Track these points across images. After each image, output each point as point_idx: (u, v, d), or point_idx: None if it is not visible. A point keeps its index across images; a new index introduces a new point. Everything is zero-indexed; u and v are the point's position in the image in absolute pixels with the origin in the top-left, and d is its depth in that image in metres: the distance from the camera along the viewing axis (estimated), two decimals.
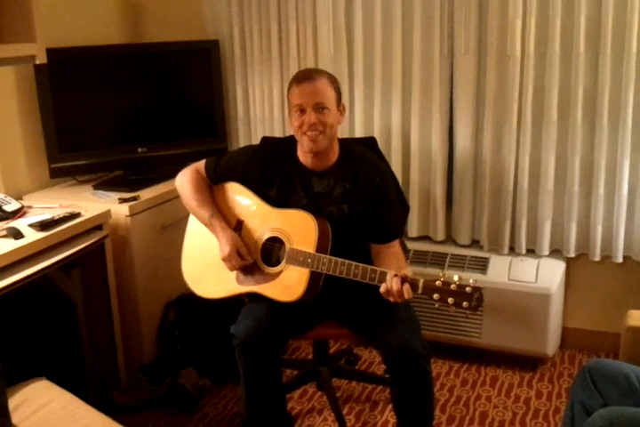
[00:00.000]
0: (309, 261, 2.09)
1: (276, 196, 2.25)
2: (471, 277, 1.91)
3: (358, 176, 2.23)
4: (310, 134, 2.14)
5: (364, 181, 2.22)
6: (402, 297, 1.92)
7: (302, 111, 2.15)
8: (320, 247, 2.11)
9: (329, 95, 2.17)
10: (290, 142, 2.29)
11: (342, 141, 2.30)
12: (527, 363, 2.91)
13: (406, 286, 1.91)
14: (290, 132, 3.10)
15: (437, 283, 1.87)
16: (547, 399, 2.67)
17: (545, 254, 2.89)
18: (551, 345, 2.85)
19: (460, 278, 1.87)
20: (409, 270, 1.97)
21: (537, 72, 2.72)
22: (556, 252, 2.91)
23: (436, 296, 1.87)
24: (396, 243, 2.28)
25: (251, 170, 2.29)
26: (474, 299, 1.84)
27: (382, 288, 1.95)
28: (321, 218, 2.16)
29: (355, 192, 2.22)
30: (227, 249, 2.19)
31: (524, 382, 2.81)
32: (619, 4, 2.55)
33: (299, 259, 2.11)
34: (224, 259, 2.20)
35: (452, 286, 1.86)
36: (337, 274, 2.04)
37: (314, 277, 2.11)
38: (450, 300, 1.86)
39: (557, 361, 2.95)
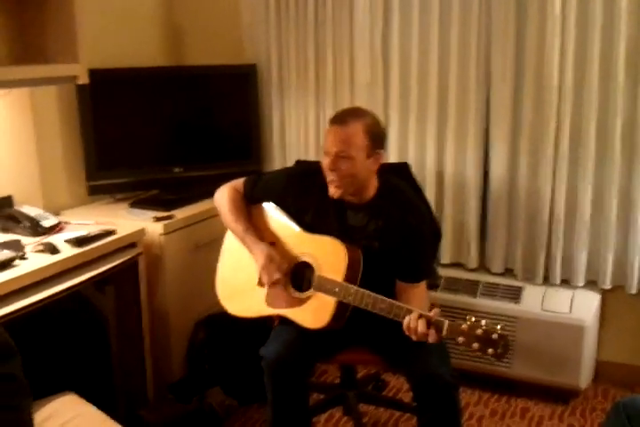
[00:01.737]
0: (337, 290, 2.07)
1: (310, 221, 2.25)
2: (502, 316, 1.85)
3: (393, 214, 2.18)
4: (329, 179, 2.13)
5: (398, 220, 2.18)
6: (424, 339, 1.89)
7: (327, 154, 2.12)
8: (349, 277, 2.09)
9: (357, 144, 2.08)
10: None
11: (384, 178, 2.24)
12: (559, 396, 2.84)
13: (432, 331, 1.87)
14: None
15: (463, 327, 1.83)
16: None
17: (580, 285, 2.84)
18: (584, 378, 2.79)
19: (487, 324, 1.82)
20: (436, 311, 1.92)
21: (575, 101, 2.71)
22: (591, 283, 2.86)
23: (460, 340, 1.83)
24: (422, 284, 2.24)
25: (288, 193, 2.29)
26: (500, 346, 1.79)
27: (405, 325, 1.92)
28: (353, 247, 2.14)
29: (387, 230, 2.19)
30: (262, 258, 2.19)
31: (556, 415, 2.74)
32: None
33: (326, 287, 2.10)
34: (261, 269, 2.19)
35: (479, 331, 1.81)
36: (362, 306, 2.02)
37: (341, 307, 2.09)
38: (475, 345, 1.81)
39: (590, 395, 2.88)
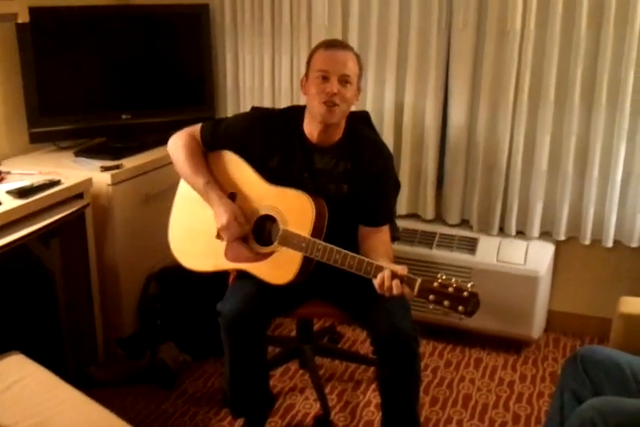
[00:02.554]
0: (304, 245, 2.02)
1: (275, 167, 2.17)
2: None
3: (362, 157, 2.16)
4: (329, 105, 2.05)
5: (366, 162, 2.16)
6: (390, 292, 1.87)
7: (325, 78, 2.05)
8: (315, 231, 2.04)
9: (355, 70, 2.09)
10: (293, 112, 2.20)
11: (349, 120, 2.20)
12: (512, 345, 2.89)
13: (396, 282, 1.85)
14: (280, 102, 3.04)
15: (435, 285, 1.82)
16: (531, 383, 2.66)
17: (535, 236, 2.86)
18: (537, 328, 2.84)
19: (457, 282, 1.81)
20: (404, 268, 1.90)
21: (536, 50, 2.66)
22: (546, 234, 2.88)
23: (432, 298, 1.82)
24: (386, 228, 2.22)
25: (252, 138, 2.19)
26: (470, 304, 1.79)
27: (377, 283, 1.88)
28: (318, 200, 2.08)
29: (356, 172, 2.15)
30: (224, 217, 2.11)
31: (509, 364, 2.79)
32: None
33: (292, 242, 2.04)
34: (222, 228, 2.12)
35: (450, 289, 1.80)
36: (331, 262, 1.97)
37: (306, 262, 2.04)
38: (446, 302, 1.80)
39: (542, 344, 2.93)
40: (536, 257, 2.80)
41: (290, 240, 2.05)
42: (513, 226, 2.87)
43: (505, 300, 2.79)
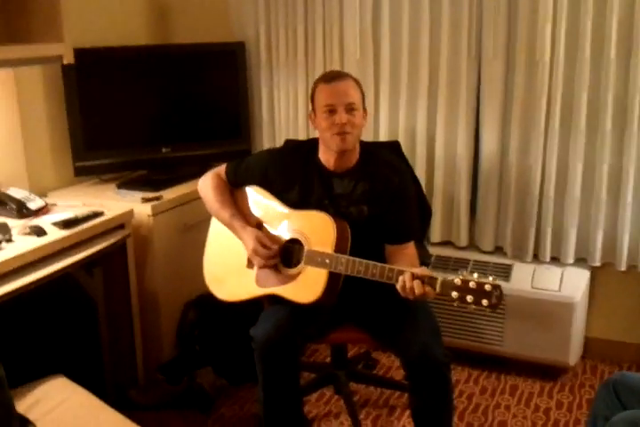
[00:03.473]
0: (327, 261, 2.08)
1: (296, 197, 2.25)
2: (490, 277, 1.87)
3: (378, 177, 2.22)
4: (341, 136, 2.13)
5: (383, 181, 2.22)
6: (421, 298, 1.92)
7: (332, 112, 2.14)
8: (338, 248, 2.10)
9: (357, 96, 2.18)
10: (310, 144, 2.29)
11: (363, 144, 2.29)
12: (548, 372, 2.86)
13: (428, 289, 1.89)
14: (314, 134, 3.12)
15: (456, 281, 1.85)
16: (567, 410, 2.63)
17: (570, 263, 2.85)
18: (573, 355, 2.81)
19: (478, 276, 1.85)
20: (424, 269, 1.95)
21: (566, 78, 2.69)
22: (581, 260, 2.87)
23: (454, 295, 1.85)
24: (411, 245, 2.26)
25: (271, 172, 2.29)
26: (493, 296, 1.81)
27: (399, 286, 1.93)
28: (340, 219, 2.15)
29: (374, 193, 2.21)
30: (251, 243, 2.19)
31: (545, 391, 2.77)
32: None
33: (317, 260, 2.10)
34: (251, 254, 2.20)
35: (471, 284, 1.83)
36: (355, 274, 2.03)
37: (332, 278, 2.09)
38: (469, 298, 1.83)
39: (579, 371, 2.90)
40: (571, 283, 2.78)
41: (314, 258, 2.11)
42: (547, 252, 2.86)
43: (540, 326, 2.78)
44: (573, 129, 2.71)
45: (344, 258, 2.05)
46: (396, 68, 2.95)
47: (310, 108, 2.26)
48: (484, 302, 1.82)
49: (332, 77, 2.20)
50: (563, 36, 2.64)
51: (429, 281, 1.90)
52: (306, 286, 2.13)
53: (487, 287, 1.82)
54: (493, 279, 1.84)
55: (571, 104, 2.70)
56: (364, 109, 2.22)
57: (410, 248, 2.26)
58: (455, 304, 1.87)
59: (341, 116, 2.12)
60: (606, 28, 2.57)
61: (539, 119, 2.74)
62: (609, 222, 2.77)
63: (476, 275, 1.86)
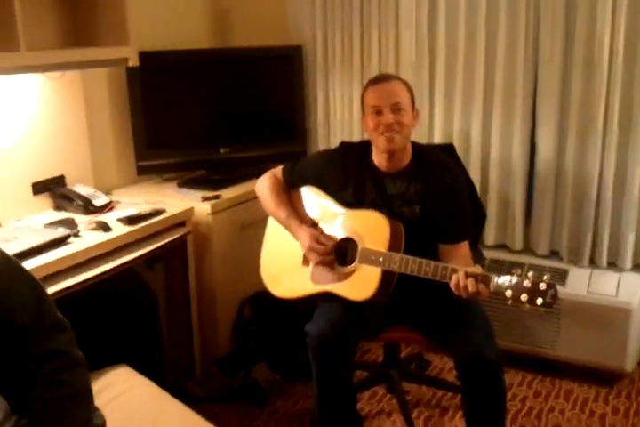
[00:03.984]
0: (381, 259, 2.10)
1: (351, 198, 2.28)
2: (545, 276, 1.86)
3: (430, 177, 2.24)
4: (387, 135, 2.16)
5: (435, 181, 2.23)
6: (474, 297, 1.92)
7: (379, 113, 2.17)
8: (392, 247, 2.12)
9: (404, 96, 2.20)
10: (364, 146, 2.33)
11: (416, 145, 2.31)
12: (603, 378, 2.82)
13: (482, 287, 1.90)
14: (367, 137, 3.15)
15: (511, 279, 1.85)
16: (623, 417, 2.59)
17: (627, 268, 2.81)
18: (630, 360, 2.77)
19: (533, 275, 1.84)
20: (479, 267, 1.96)
21: (624, 81, 2.65)
22: (638, 266, 2.82)
23: (508, 293, 1.85)
24: (465, 244, 2.27)
25: (326, 174, 2.34)
26: (548, 295, 1.81)
27: (453, 284, 1.94)
28: (393, 219, 2.18)
29: (427, 193, 2.23)
30: (307, 241, 2.23)
31: (600, 397, 2.73)
32: None
33: (371, 258, 2.13)
34: (306, 251, 2.24)
35: (526, 283, 1.83)
36: (408, 272, 2.05)
37: (386, 276, 2.12)
38: (523, 297, 1.83)
39: (636, 378, 2.86)
40: (629, 289, 2.74)
41: (368, 257, 2.14)
42: (604, 257, 2.83)
43: (597, 332, 2.74)
44: (632, 132, 2.68)
45: (397, 256, 2.07)
46: (451, 71, 2.96)
47: (362, 111, 2.29)
48: (539, 300, 1.82)
49: (378, 79, 2.24)
50: (622, 39, 2.61)
51: (483, 279, 1.91)
52: (360, 284, 2.16)
53: (542, 286, 1.82)
54: (547, 278, 1.84)
55: (629, 107, 2.67)
56: (415, 109, 2.24)
57: (463, 248, 2.26)
58: (509, 303, 1.87)
59: (387, 117, 2.15)
60: None
61: (596, 122, 2.71)
62: None
63: (530, 273, 1.85)
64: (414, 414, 2.60)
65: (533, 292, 1.82)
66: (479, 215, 2.58)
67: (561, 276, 2.85)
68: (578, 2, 2.66)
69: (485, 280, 1.91)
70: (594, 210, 2.80)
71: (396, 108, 2.16)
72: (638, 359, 2.88)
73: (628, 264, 2.81)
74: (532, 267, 2.89)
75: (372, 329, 2.29)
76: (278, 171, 2.48)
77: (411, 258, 2.05)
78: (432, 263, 2.01)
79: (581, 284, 2.80)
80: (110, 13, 2.47)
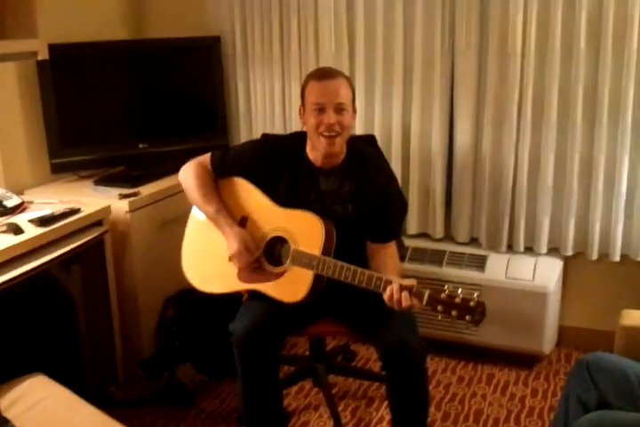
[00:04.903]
0: (315, 263, 2.09)
1: (283, 191, 2.25)
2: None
3: (364, 176, 2.23)
4: (328, 135, 2.13)
5: (369, 181, 2.23)
6: (406, 309, 1.94)
7: (321, 110, 2.14)
8: (325, 250, 2.12)
9: (347, 96, 2.17)
10: (296, 138, 2.29)
11: (350, 140, 2.28)
12: (523, 361, 2.92)
13: (405, 294, 1.92)
14: (291, 128, 3.13)
15: (442, 295, 1.87)
16: (542, 398, 2.69)
17: (543, 252, 2.90)
18: (548, 343, 2.87)
19: (463, 293, 1.88)
20: (412, 281, 1.97)
21: (537, 69, 2.72)
22: (553, 250, 2.92)
23: (440, 308, 1.88)
24: (393, 243, 2.30)
25: (259, 165, 2.29)
26: (477, 313, 1.85)
27: (387, 296, 1.95)
28: (327, 220, 2.17)
29: (360, 193, 2.23)
30: (235, 245, 2.19)
31: (520, 380, 2.82)
32: (620, 0, 2.55)
33: (304, 260, 2.12)
34: (233, 256, 2.20)
35: (457, 300, 1.86)
36: (342, 279, 2.04)
37: (317, 280, 2.12)
38: (453, 313, 1.86)
39: (554, 359, 2.96)
40: (544, 273, 2.83)
41: (301, 259, 2.12)
42: (521, 243, 2.91)
43: (515, 316, 2.82)
44: (545, 120, 2.76)
45: (332, 262, 2.06)
46: (370, 61, 2.97)
47: (301, 102, 2.24)
48: (468, 317, 1.85)
49: (323, 75, 2.19)
50: (534, 28, 2.68)
51: (416, 293, 1.92)
52: (290, 286, 2.15)
53: (472, 304, 1.85)
54: (477, 296, 1.87)
55: (542, 96, 2.74)
56: (354, 109, 2.22)
57: (391, 247, 2.28)
58: (439, 317, 1.91)
59: (330, 117, 2.12)
60: (576, 19, 2.62)
61: (511, 111, 2.77)
62: (580, 212, 2.82)
63: (460, 290, 1.88)
64: (341, 407, 2.63)
65: (464, 309, 1.85)
66: (402, 207, 2.60)
67: (480, 262, 2.92)
68: None
69: (419, 295, 1.92)
70: (510, 197, 2.88)
71: (339, 109, 2.13)
72: (556, 341, 2.99)
73: (544, 249, 2.90)
74: (452, 255, 2.96)
75: (297, 324, 2.28)
76: (205, 159, 2.37)
77: (345, 265, 2.04)
78: (367, 273, 2.01)
79: (499, 269, 2.87)
80: (17, 3, 2.36)
